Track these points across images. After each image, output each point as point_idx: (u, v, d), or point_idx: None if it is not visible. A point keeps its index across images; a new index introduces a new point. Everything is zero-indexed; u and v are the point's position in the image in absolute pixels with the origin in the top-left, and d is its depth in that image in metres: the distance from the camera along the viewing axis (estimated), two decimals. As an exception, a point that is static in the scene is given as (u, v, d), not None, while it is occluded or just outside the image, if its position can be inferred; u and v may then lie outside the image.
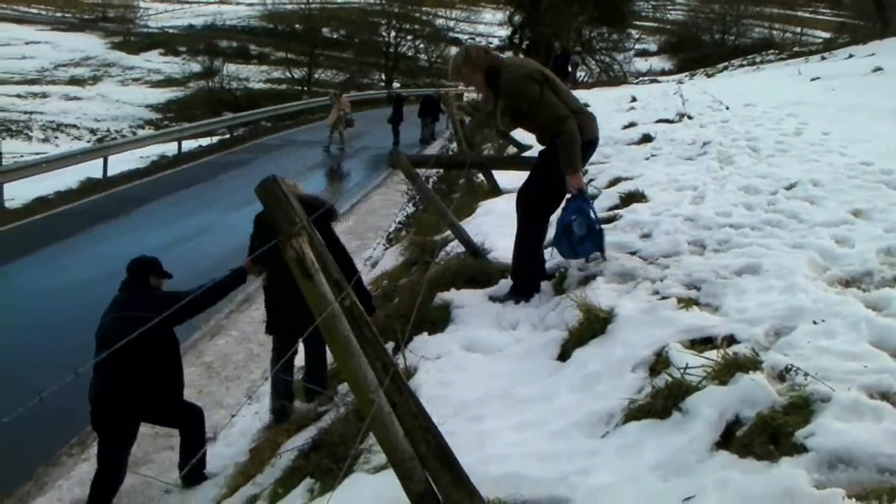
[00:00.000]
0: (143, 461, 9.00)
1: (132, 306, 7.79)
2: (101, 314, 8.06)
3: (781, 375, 4.27)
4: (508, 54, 69.26)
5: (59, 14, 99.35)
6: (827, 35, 65.72)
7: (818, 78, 24.84)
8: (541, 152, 7.52)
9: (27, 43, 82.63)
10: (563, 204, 7.36)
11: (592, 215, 7.19)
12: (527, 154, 14.34)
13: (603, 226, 7.58)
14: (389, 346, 4.15)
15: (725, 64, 53.87)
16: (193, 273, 14.26)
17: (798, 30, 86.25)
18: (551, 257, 7.78)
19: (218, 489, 7.56)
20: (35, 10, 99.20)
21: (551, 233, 7.57)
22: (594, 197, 7.77)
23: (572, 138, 6.97)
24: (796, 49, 55.33)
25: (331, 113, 34.57)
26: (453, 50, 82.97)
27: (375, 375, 3.51)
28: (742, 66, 48.40)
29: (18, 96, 67.24)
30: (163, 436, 9.43)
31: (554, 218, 7.49)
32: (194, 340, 12.58)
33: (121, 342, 3.21)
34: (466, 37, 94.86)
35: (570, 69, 44.17)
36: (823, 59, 36.32)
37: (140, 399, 7.75)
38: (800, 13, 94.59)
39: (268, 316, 8.74)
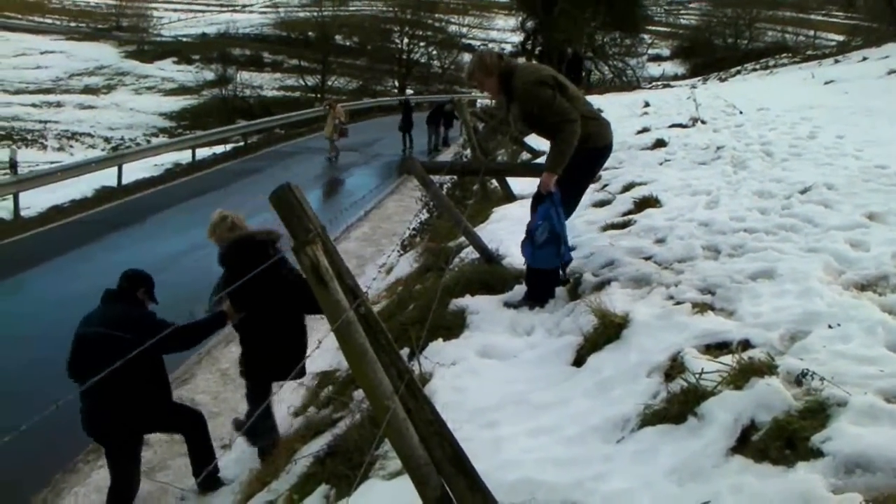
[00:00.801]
0: (160, 467, 9.02)
1: (112, 323, 7.66)
2: (81, 320, 8.00)
3: (797, 380, 4.26)
4: (521, 60, 69.09)
5: (73, 24, 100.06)
6: (840, 38, 65.55)
7: (832, 81, 24.79)
8: None
9: (42, 52, 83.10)
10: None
11: (557, 224, 7.18)
12: (541, 160, 14.36)
13: (571, 247, 7.58)
14: (404, 352, 4.17)
15: (739, 68, 53.74)
16: (209, 280, 14.32)
17: (811, 33, 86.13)
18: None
19: (233, 495, 7.58)
20: (50, 20, 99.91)
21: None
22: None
23: (569, 140, 6.99)
24: (809, 52, 55.16)
25: (327, 123, 33.86)
26: (466, 56, 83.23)
27: (390, 382, 3.51)
28: (755, 70, 48.28)
29: (33, 105, 67.62)
30: (178, 442, 9.43)
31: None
32: (209, 347, 12.61)
33: (102, 373, 3.12)
34: (479, 43, 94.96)
35: (583, 74, 44.18)
36: (837, 62, 36.22)
37: (127, 415, 7.66)
38: (813, 16, 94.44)
39: (251, 358, 8.30)
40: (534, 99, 7.09)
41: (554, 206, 7.17)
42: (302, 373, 8.68)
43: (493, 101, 16.37)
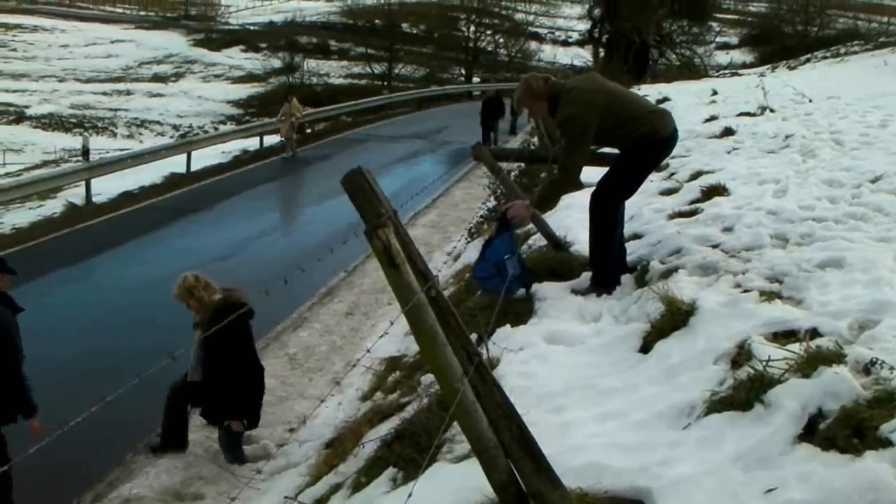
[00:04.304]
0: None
1: None
2: None
3: (866, 369, 4.24)
4: (589, 48, 68.50)
5: (143, 13, 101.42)
6: (915, 25, 64.50)
7: (905, 69, 24.46)
8: (620, 148, 7.55)
9: (112, 42, 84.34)
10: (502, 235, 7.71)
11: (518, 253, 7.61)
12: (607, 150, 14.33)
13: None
14: (472, 337, 4.20)
15: (808, 56, 53.01)
16: (279, 266, 14.59)
17: (885, 20, 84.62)
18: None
19: (301, 478, 7.65)
20: (120, 10, 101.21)
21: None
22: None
23: (561, 186, 7.55)
24: (882, 40, 54.22)
25: (283, 122, 31.70)
26: (533, 45, 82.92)
27: (460, 365, 3.55)
28: (825, 58, 47.61)
29: (104, 94, 68.76)
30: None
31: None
32: (277, 332, 12.75)
33: None
34: (546, 31, 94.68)
35: (649, 62, 43.90)
36: (911, 49, 35.70)
37: None
38: (886, 2, 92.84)
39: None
40: (565, 131, 7.25)
41: (511, 235, 7.71)
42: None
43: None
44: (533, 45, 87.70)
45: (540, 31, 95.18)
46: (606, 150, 8.04)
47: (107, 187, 24.16)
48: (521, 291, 7.71)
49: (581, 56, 77.25)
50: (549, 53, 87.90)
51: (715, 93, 23.82)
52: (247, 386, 8.81)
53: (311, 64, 74.39)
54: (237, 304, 8.59)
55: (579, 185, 8.30)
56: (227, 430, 8.93)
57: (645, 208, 9.64)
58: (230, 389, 8.64)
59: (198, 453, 9.06)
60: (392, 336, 9.92)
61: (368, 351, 5.24)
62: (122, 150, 37.06)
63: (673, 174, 11.56)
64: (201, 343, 8.59)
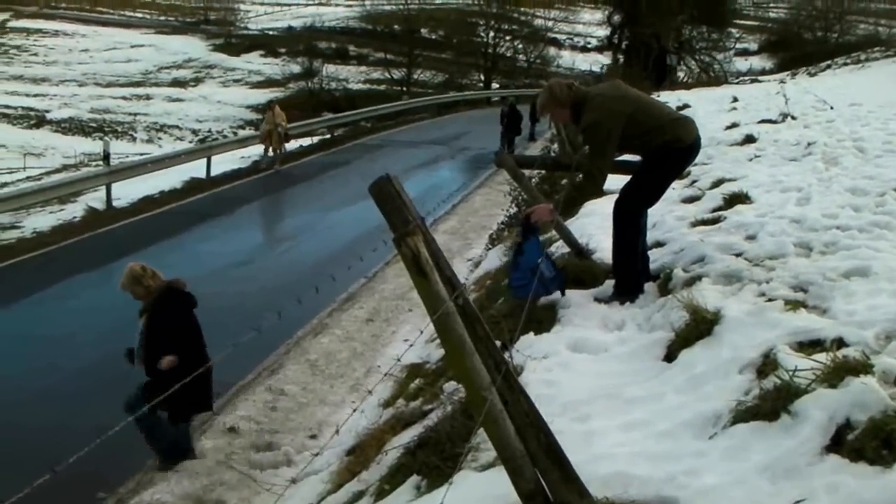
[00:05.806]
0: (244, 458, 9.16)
1: None
2: None
3: (895, 380, 4.22)
4: (608, 54, 68.48)
5: (162, 18, 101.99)
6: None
7: (927, 76, 24.35)
8: (643, 156, 7.54)
9: (132, 46, 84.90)
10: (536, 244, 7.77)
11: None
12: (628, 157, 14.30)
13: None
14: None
15: (829, 62, 52.73)
16: (296, 271, 14.58)
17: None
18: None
19: (323, 485, 7.66)
20: (140, 15, 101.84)
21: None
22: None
23: (587, 191, 7.60)
24: (904, 46, 53.99)
25: (272, 133, 29.54)
26: (552, 50, 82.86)
27: (488, 373, 3.55)
28: (846, 64, 47.35)
29: (124, 98, 69.17)
30: (268, 431, 9.61)
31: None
32: (298, 339, 12.76)
33: None
34: (565, 37, 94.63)
35: (667, 70, 43.88)
36: (933, 55, 35.51)
37: None
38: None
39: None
40: (595, 136, 7.21)
41: (537, 238, 7.77)
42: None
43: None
44: (552, 50, 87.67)
45: (559, 36, 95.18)
46: (629, 157, 8.02)
47: (127, 192, 24.21)
48: (557, 294, 7.70)
49: (600, 62, 77.24)
50: (567, 59, 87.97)
51: (735, 100, 23.76)
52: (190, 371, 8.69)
53: (329, 69, 74.63)
54: (182, 291, 9.13)
55: (602, 193, 8.30)
56: (173, 419, 9.12)
57: (667, 216, 9.61)
58: (175, 377, 8.53)
59: (219, 459, 9.08)
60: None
61: (399, 360, 5.24)
62: (141, 154, 37.19)
63: (695, 182, 11.53)
64: (146, 329, 8.99)
